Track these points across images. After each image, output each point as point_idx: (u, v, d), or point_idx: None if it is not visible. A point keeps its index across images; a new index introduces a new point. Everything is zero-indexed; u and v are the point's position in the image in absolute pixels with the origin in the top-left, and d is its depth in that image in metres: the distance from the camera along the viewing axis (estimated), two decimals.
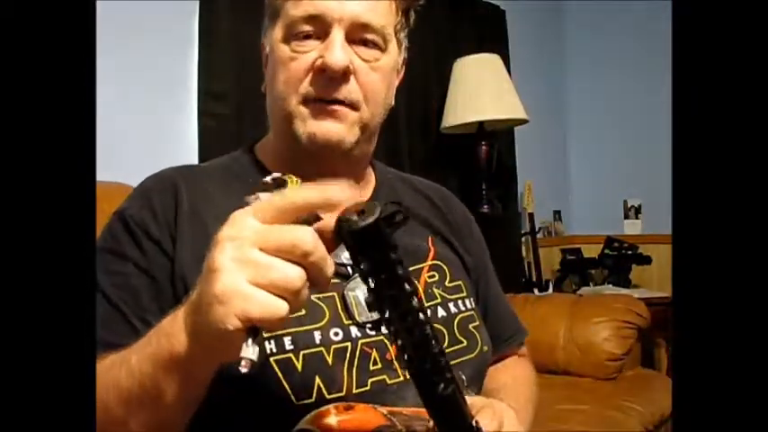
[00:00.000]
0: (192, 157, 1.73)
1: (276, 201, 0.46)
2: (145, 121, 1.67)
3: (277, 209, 0.46)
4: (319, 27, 0.68)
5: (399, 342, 0.47)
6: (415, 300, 0.46)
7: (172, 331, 0.50)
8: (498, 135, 2.52)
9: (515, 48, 2.79)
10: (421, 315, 0.46)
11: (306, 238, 0.44)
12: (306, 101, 0.69)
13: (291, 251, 0.44)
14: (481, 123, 2.34)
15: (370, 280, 0.45)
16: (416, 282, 0.74)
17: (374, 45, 0.70)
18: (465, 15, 2.60)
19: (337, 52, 0.67)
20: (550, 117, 3.16)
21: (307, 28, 0.68)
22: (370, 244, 0.44)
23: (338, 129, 0.70)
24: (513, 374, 0.87)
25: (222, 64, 1.77)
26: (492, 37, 2.67)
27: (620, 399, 1.81)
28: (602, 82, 3.19)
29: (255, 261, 0.43)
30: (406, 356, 0.47)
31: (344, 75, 0.68)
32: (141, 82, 1.67)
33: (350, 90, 0.69)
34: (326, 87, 0.68)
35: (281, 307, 0.43)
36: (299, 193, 0.46)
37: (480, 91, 2.28)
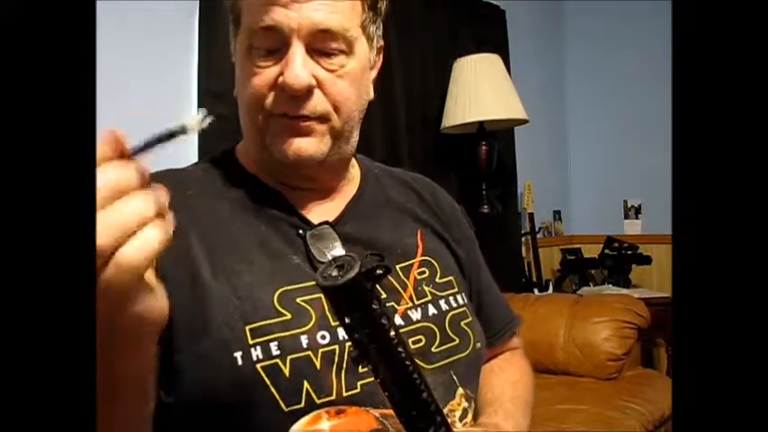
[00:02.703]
0: (192, 157, 1.73)
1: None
2: (145, 121, 1.67)
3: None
4: (278, 39, 0.65)
5: (387, 391, 0.47)
6: (402, 348, 0.46)
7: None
8: (498, 135, 2.52)
9: (515, 48, 2.80)
10: (408, 364, 0.46)
11: (100, 180, 0.41)
12: (271, 116, 0.67)
13: (109, 197, 0.41)
14: (481, 123, 2.34)
15: (355, 334, 0.45)
16: (406, 282, 0.73)
17: (339, 52, 0.67)
18: (465, 15, 2.60)
19: (297, 70, 0.64)
20: (550, 117, 3.16)
21: (266, 43, 0.65)
22: (351, 300, 0.44)
23: (308, 143, 0.68)
24: (509, 380, 0.85)
25: (222, 64, 1.77)
26: (492, 37, 2.67)
27: (620, 399, 1.81)
28: (602, 82, 3.20)
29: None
30: (394, 404, 0.47)
31: (308, 91, 0.66)
32: (141, 82, 1.67)
33: (315, 104, 0.67)
34: (290, 105, 0.66)
35: (142, 241, 0.41)
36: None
37: (480, 91, 2.29)
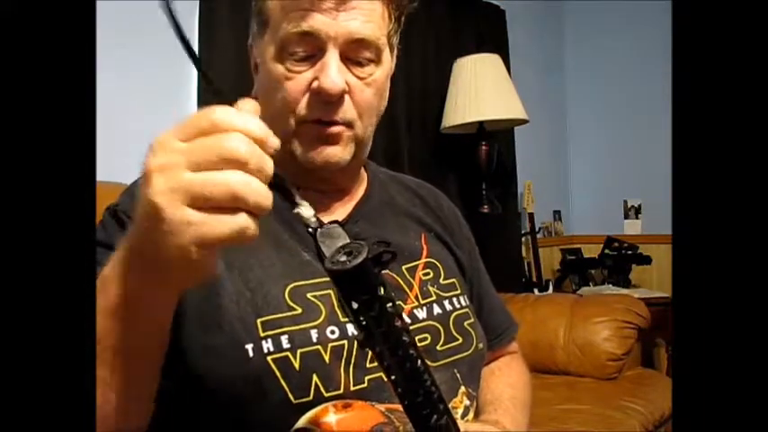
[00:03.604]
0: None
1: (199, 119, 0.43)
2: (145, 121, 1.67)
3: (200, 129, 0.43)
4: (313, 45, 0.66)
5: (392, 377, 0.48)
6: (406, 335, 0.47)
7: (118, 275, 0.48)
8: (498, 135, 2.52)
9: (515, 48, 2.80)
10: (412, 350, 0.47)
11: (236, 146, 0.42)
12: (303, 122, 0.68)
13: (225, 163, 0.42)
14: (481, 123, 2.34)
15: (361, 318, 0.46)
16: (412, 282, 0.75)
17: (369, 61, 0.69)
18: (465, 15, 2.60)
19: (334, 76, 0.65)
20: (550, 117, 3.16)
21: (301, 48, 0.66)
22: (359, 284, 0.45)
23: (336, 151, 0.70)
24: (508, 382, 0.87)
25: (222, 64, 1.77)
26: (492, 37, 2.67)
27: (620, 399, 1.81)
28: (602, 82, 3.20)
29: (189, 184, 0.41)
30: (399, 390, 0.48)
31: (340, 97, 0.67)
32: (141, 82, 1.67)
33: (345, 110, 0.68)
34: (323, 110, 0.68)
35: (235, 220, 0.42)
36: (225, 113, 0.43)
37: (480, 91, 2.29)
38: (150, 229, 0.43)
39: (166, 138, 0.44)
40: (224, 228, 0.42)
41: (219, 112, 0.43)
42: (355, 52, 0.68)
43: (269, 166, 0.44)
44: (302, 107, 0.68)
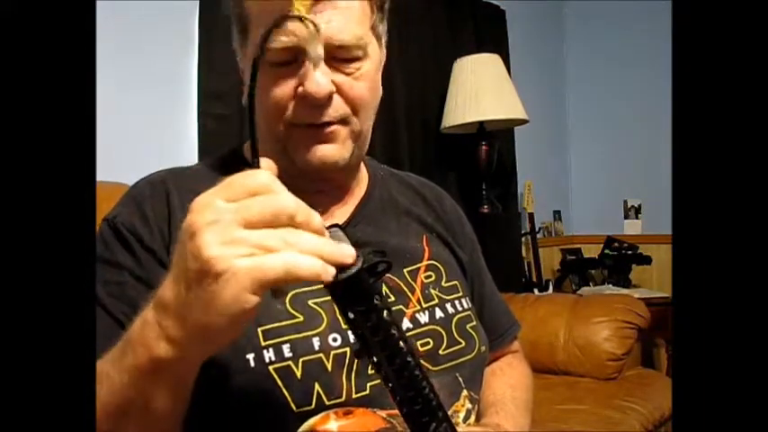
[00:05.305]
0: (192, 158, 1.73)
1: (241, 181, 0.45)
2: (145, 121, 1.67)
3: (251, 190, 0.45)
4: (295, 52, 0.65)
5: (390, 385, 0.48)
6: (403, 343, 0.47)
7: (147, 338, 0.49)
8: (498, 135, 2.52)
9: (515, 48, 2.80)
10: (409, 358, 0.47)
11: (286, 203, 0.44)
12: (293, 126, 0.67)
13: (276, 220, 0.43)
14: (481, 123, 2.34)
15: (358, 329, 0.46)
16: (414, 286, 0.74)
17: (355, 58, 0.67)
18: (465, 15, 2.60)
19: (318, 79, 0.64)
20: (550, 117, 3.16)
21: (283, 56, 0.65)
22: (354, 295, 0.45)
23: (333, 150, 0.68)
24: (510, 383, 0.86)
25: (222, 64, 1.77)
26: (492, 37, 2.67)
27: (620, 399, 1.81)
28: (602, 82, 3.20)
29: (245, 238, 0.43)
30: (397, 398, 0.48)
31: (329, 98, 0.66)
32: (141, 82, 1.67)
33: (336, 109, 0.67)
34: (312, 113, 0.66)
35: (283, 255, 0.43)
36: (271, 177, 0.46)
37: (480, 91, 2.28)
38: (200, 287, 0.43)
39: (210, 197, 0.45)
40: (277, 264, 0.43)
41: (265, 176, 0.45)
42: (339, 52, 0.66)
43: (316, 219, 0.46)
44: (290, 112, 0.66)
